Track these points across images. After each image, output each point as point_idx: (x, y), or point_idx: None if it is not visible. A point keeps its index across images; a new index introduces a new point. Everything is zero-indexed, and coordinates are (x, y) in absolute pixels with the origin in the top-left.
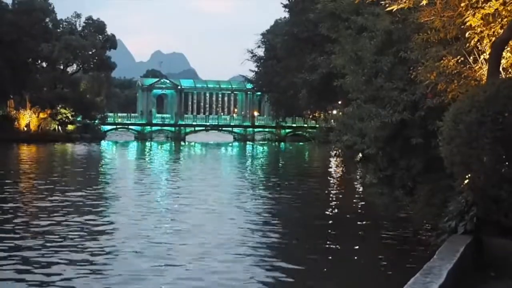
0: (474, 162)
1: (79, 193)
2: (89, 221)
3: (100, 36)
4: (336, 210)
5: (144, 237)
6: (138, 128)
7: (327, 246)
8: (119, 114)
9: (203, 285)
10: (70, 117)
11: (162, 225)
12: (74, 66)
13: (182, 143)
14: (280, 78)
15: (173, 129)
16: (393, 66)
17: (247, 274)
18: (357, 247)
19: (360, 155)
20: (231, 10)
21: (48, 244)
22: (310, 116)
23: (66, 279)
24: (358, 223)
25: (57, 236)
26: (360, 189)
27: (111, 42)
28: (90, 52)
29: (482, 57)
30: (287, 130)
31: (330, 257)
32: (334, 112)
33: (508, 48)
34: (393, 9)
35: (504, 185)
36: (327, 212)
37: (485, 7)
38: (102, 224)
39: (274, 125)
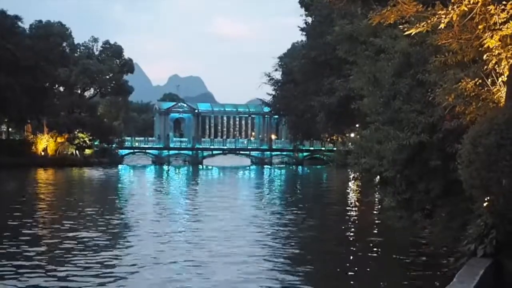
0: (493, 185)
1: (98, 220)
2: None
3: (118, 60)
4: (354, 234)
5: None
6: (155, 152)
7: (345, 269)
8: (137, 138)
9: None
10: (87, 141)
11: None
12: (92, 90)
13: (200, 166)
14: (297, 102)
15: (190, 152)
16: (411, 88)
17: None
18: (376, 270)
19: (378, 178)
20: (247, 34)
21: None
22: (328, 139)
23: None
24: (376, 246)
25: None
26: (379, 213)
27: (128, 66)
28: (108, 77)
29: (500, 79)
30: (305, 154)
31: (349, 281)
32: (352, 135)
33: None
34: (411, 32)
35: None
36: (345, 236)
37: (503, 29)
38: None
39: (291, 148)
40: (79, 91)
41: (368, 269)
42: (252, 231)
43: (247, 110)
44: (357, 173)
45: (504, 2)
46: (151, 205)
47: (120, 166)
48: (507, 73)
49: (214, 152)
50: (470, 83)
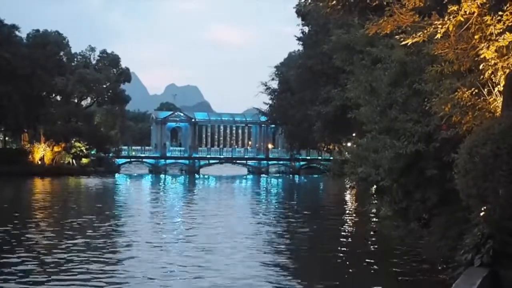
0: (490, 194)
1: (92, 231)
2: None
3: (114, 70)
4: (350, 243)
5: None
6: (152, 161)
7: (340, 278)
8: (133, 147)
9: None
10: (84, 150)
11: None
12: (89, 99)
13: (197, 176)
14: (294, 111)
15: (187, 162)
16: (407, 98)
17: None
18: (372, 280)
19: (375, 187)
20: (244, 43)
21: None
22: (325, 149)
23: None
24: (373, 255)
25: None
26: (375, 222)
27: (125, 75)
28: (104, 86)
29: (496, 89)
30: (302, 163)
31: None
32: (349, 144)
33: None
34: (407, 42)
35: None
36: (341, 245)
37: (499, 40)
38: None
39: (288, 157)
40: (75, 100)
41: (364, 278)
42: (247, 243)
43: (244, 119)
44: (354, 182)
45: (500, 13)
46: (147, 223)
47: (116, 175)
48: (503, 83)
49: (211, 161)
50: (466, 92)
